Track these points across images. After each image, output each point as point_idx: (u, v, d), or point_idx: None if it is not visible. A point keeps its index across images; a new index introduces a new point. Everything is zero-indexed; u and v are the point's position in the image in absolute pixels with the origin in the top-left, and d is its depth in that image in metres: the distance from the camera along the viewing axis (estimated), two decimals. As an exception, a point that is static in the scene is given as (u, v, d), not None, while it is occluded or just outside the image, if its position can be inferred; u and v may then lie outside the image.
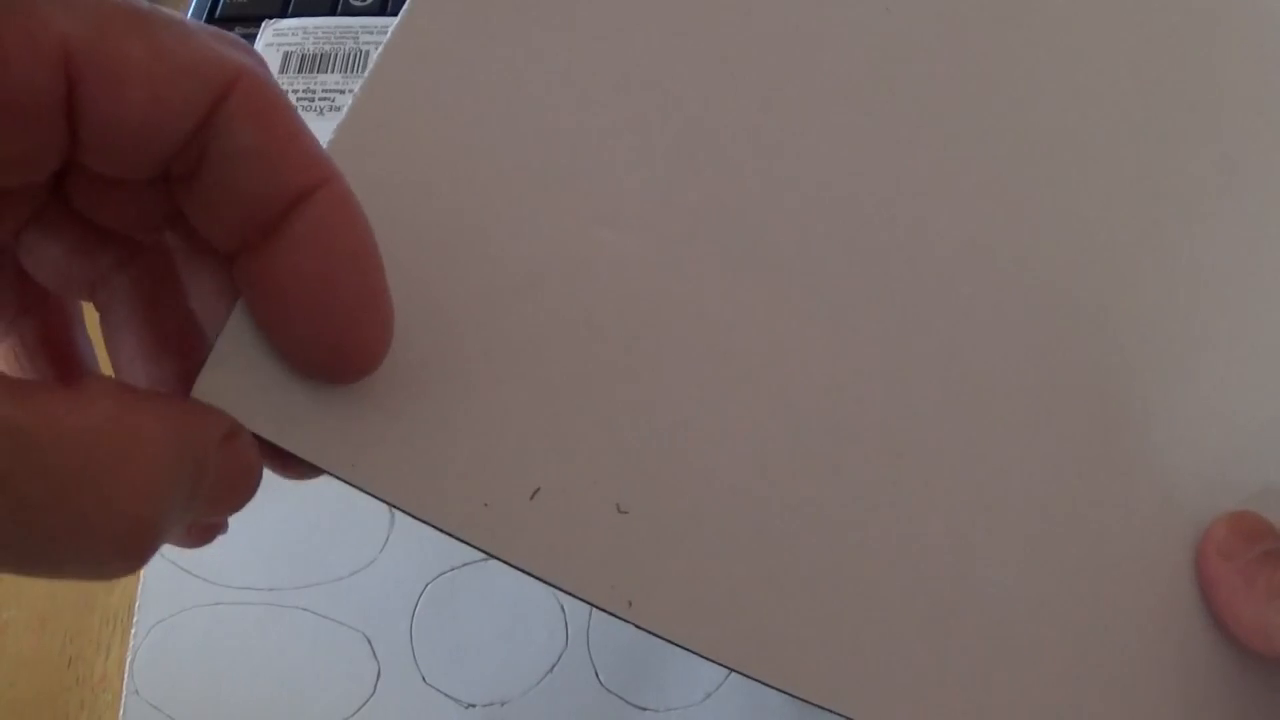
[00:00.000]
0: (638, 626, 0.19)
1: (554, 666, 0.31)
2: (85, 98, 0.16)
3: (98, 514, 0.15)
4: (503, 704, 0.31)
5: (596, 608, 0.19)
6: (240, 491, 0.18)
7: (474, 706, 0.31)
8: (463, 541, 0.19)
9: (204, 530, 0.21)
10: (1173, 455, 0.21)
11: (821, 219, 0.22)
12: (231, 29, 0.50)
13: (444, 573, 0.33)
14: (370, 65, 0.22)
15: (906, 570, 0.20)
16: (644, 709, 0.31)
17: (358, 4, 0.49)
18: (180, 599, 0.32)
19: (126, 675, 0.31)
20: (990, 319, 0.22)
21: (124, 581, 0.34)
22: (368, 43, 0.45)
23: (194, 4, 0.49)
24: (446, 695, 0.31)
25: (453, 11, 0.22)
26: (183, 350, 0.21)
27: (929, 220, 0.22)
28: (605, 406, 0.20)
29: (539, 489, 0.19)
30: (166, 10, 0.17)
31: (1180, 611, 0.21)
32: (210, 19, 0.48)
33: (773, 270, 0.21)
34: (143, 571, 0.29)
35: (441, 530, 0.19)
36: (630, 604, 0.19)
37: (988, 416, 0.21)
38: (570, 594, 0.19)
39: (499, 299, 0.20)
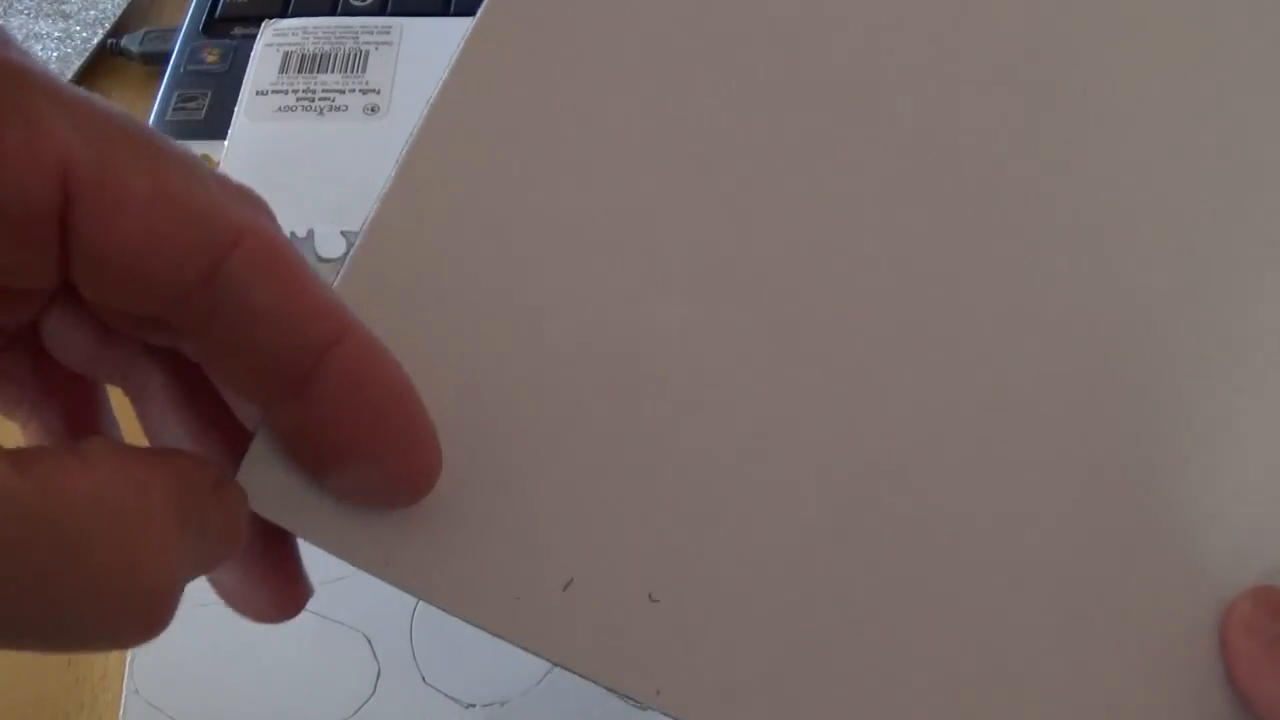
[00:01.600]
0: (665, 714, 0.19)
1: (554, 666, 0.31)
2: (80, 219, 0.15)
3: (121, 575, 0.14)
4: (503, 704, 0.31)
5: (624, 696, 0.19)
6: (232, 542, 0.18)
7: (474, 706, 0.31)
8: (496, 636, 0.19)
9: (289, 597, 0.21)
10: (1202, 528, 0.21)
11: (868, 297, 0.21)
12: (231, 29, 0.50)
13: (444, 573, 0.33)
14: (402, 152, 0.21)
15: (933, 659, 0.20)
16: (645, 708, 0.31)
17: (358, 4, 0.49)
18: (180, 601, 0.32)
19: (127, 675, 0.31)
20: (1024, 390, 0.21)
21: (124, 581, 0.34)
22: (367, 43, 0.45)
23: (194, 4, 0.49)
24: (446, 695, 0.31)
25: (487, 83, 0.22)
26: (226, 426, 0.20)
27: (965, 288, 0.22)
28: (639, 493, 0.20)
29: (571, 580, 0.19)
30: (179, 145, 0.16)
31: (1207, 689, 0.20)
32: (210, 19, 0.49)
33: (818, 358, 0.21)
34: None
35: (476, 625, 0.19)
36: (659, 692, 0.19)
37: (1017, 491, 0.21)
38: (599, 683, 0.19)
39: (529, 386, 0.20)
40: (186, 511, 0.16)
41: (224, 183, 0.17)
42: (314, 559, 0.20)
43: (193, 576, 0.16)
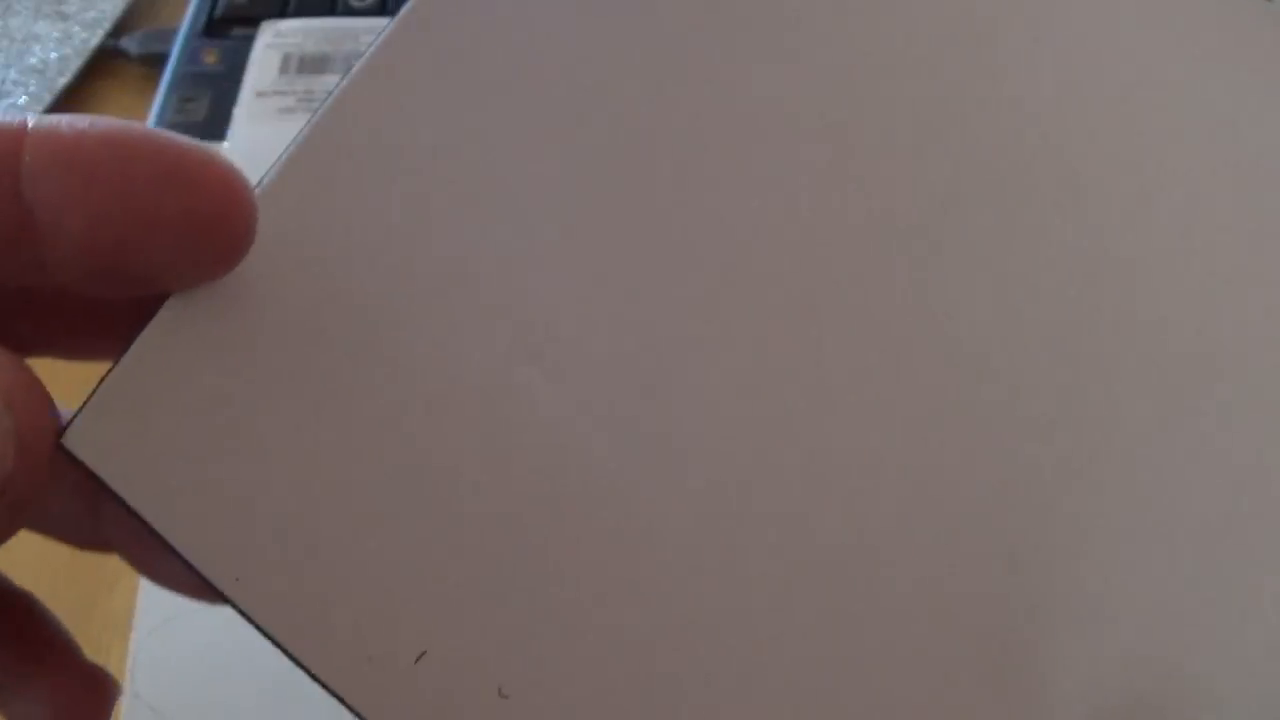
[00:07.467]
0: None
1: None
2: None
3: None
4: (504, 707, 0.31)
5: None
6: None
7: (475, 709, 0.31)
8: (339, 699, 0.17)
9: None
10: (1069, 707, 0.19)
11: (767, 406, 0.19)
12: (230, 30, 0.50)
13: (445, 575, 0.33)
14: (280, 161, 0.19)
15: None
16: None
17: (358, 5, 0.49)
18: (180, 602, 0.32)
19: (127, 678, 0.31)
20: (888, 556, 0.19)
21: (124, 584, 0.34)
22: (368, 44, 0.45)
23: (194, 5, 0.49)
24: (448, 698, 0.31)
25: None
26: None
27: (834, 429, 0.19)
28: (506, 575, 0.18)
29: (425, 652, 0.17)
30: None
31: None
32: (210, 19, 0.48)
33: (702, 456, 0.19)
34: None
35: (319, 681, 0.17)
36: None
37: (876, 668, 0.18)
38: None
39: (404, 423, 0.18)
40: None
41: None
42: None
43: None
